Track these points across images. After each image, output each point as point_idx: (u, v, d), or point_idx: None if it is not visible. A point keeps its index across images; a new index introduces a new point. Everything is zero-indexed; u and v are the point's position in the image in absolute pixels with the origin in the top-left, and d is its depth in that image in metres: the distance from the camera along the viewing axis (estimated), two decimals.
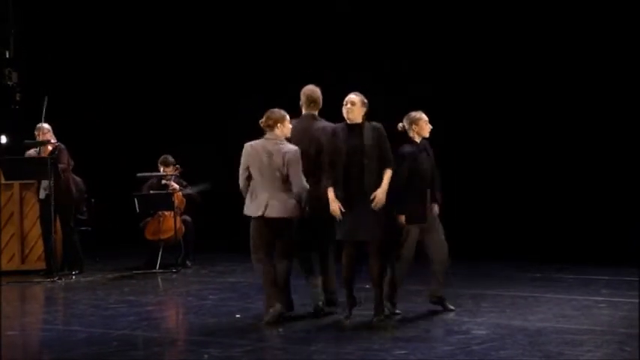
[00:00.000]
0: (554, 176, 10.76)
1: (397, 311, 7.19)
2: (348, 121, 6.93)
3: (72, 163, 10.00)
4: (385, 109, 7.42)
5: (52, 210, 9.56)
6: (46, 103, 9.67)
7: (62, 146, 9.88)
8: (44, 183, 9.70)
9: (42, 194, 9.80)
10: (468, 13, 10.99)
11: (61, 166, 9.64)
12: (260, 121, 7.05)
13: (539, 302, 7.64)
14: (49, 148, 9.80)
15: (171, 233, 10.25)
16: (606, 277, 8.73)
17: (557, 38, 10.62)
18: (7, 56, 12.77)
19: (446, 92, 11.08)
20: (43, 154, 9.69)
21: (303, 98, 7.48)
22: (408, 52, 11.21)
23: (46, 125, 9.86)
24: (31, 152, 9.86)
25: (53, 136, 9.91)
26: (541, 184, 10.78)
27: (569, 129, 10.70)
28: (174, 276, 9.88)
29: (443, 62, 11.10)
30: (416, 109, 7.35)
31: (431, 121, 7.34)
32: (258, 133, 7.50)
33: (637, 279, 8.58)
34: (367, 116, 6.98)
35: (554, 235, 10.49)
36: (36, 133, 9.84)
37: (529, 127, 10.83)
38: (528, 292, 8.13)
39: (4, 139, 12.60)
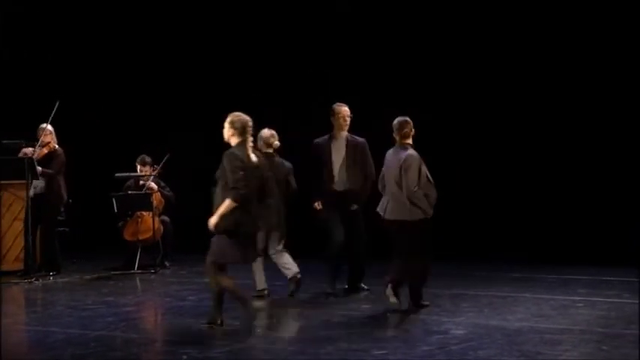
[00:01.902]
0: (532, 177, 10.78)
1: None
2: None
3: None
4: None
5: (30, 210, 9.51)
6: (56, 106, 9.57)
7: (60, 152, 9.84)
8: (35, 182, 9.65)
9: (31, 192, 9.72)
10: (466, 15, 10.93)
11: (47, 171, 9.61)
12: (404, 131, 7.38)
13: (517, 302, 7.68)
14: (45, 151, 9.75)
15: (150, 234, 10.21)
16: (584, 277, 8.80)
17: (553, 39, 10.56)
18: None
19: (438, 93, 11.10)
20: (35, 155, 9.61)
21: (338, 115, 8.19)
22: (407, 57, 11.16)
23: (48, 127, 9.78)
24: (28, 150, 9.74)
25: (54, 139, 9.85)
26: (520, 184, 10.81)
27: (551, 128, 10.71)
28: (153, 277, 9.83)
29: (444, 64, 11.04)
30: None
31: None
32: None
33: (614, 279, 8.66)
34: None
35: (532, 235, 10.52)
36: (38, 133, 9.77)
37: (514, 128, 10.81)
38: (507, 291, 8.17)
39: None
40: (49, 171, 9.69)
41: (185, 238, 10.76)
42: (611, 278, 8.69)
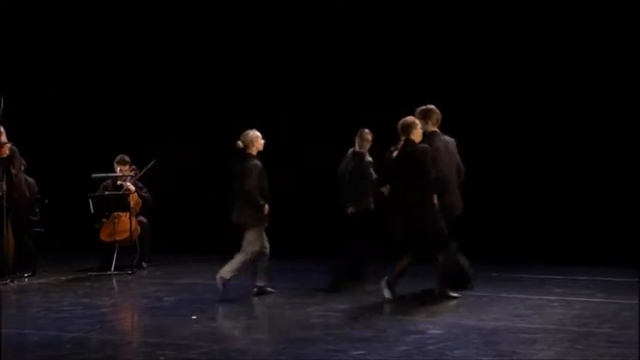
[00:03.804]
0: (503, 177, 10.78)
1: None
2: None
3: (25, 163, 9.87)
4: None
5: (4, 211, 9.42)
6: (2, 102, 9.49)
7: (14, 148, 9.75)
8: None
9: None
10: (471, 15, 10.85)
11: (13, 171, 9.52)
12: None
13: (493, 302, 7.72)
14: (7, 148, 9.64)
15: (127, 235, 10.15)
16: (559, 277, 8.83)
17: (561, 45, 10.53)
18: None
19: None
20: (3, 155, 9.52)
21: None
22: (409, 57, 11.07)
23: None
24: None
25: (4, 136, 9.75)
26: (492, 184, 10.80)
27: (526, 128, 10.74)
28: (130, 277, 9.78)
29: (445, 64, 10.96)
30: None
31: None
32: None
33: (588, 278, 8.73)
34: None
35: (508, 235, 10.55)
36: None
37: (490, 127, 10.81)
38: (483, 291, 8.18)
39: None
40: (14, 170, 9.58)
41: (162, 239, 10.75)
42: (585, 278, 8.75)
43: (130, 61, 12.60)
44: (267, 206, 8.21)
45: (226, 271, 8.16)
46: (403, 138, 7.84)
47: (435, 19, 10.94)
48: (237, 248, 8.24)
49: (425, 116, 8.18)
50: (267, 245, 8.28)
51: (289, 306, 7.81)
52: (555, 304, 7.56)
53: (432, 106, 8.23)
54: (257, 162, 8.27)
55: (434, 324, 6.78)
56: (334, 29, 11.29)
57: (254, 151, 8.30)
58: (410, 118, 7.92)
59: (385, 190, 8.18)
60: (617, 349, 5.90)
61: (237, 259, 8.20)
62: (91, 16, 12.59)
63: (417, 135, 7.85)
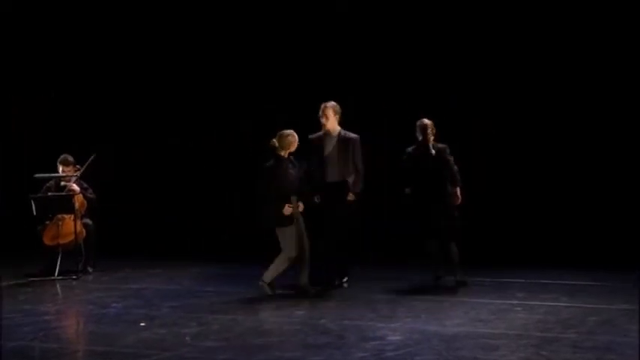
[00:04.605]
0: (470, 180, 10.74)
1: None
2: None
3: None
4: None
5: None
6: None
7: None
8: None
9: None
10: (467, 15, 10.74)
11: None
12: None
13: (454, 307, 7.62)
14: None
15: (71, 238, 9.88)
16: (521, 281, 8.77)
17: (561, 46, 10.44)
18: None
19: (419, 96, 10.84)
20: None
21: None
22: (408, 57, 10.94)
23: None
24: None
25: None
26: (492, 183, 10.77)
27: (529, 132, 10.69)
28: (75, 283, 9.51)
29: (443, 64, 10.82)
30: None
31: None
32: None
33: (552, 282, 8.73)
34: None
35: (469, 238, 10.49)
36: None
37: (492, 129, 10.77)
38: (444, 296, 8.10)
39: None
40: None
41: (109, 243, 10.45)
42: (548, 281, 8.71)
43: (129, 61, 12.32)
44: (287, 207, 8.16)
45: (268, 275, 8.17)
46: (432, 138, 8.38)
47: (435, 19, 10.89)
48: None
49: (337, 112, 8.55)
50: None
51: (243, 312, 7.64)
52: (518, 308, 7.49)
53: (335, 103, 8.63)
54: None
55: (394, 330, 6.69)
56: (334, 29, 11.24)
57: (282, 153, 8.28)
58: (428, 120, 8.41)
59: (408, 190, 8.54)
60: (582, 355, 5.84)
61: (275, 263, 8.22)
62: (91, 16, 12.38)
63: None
